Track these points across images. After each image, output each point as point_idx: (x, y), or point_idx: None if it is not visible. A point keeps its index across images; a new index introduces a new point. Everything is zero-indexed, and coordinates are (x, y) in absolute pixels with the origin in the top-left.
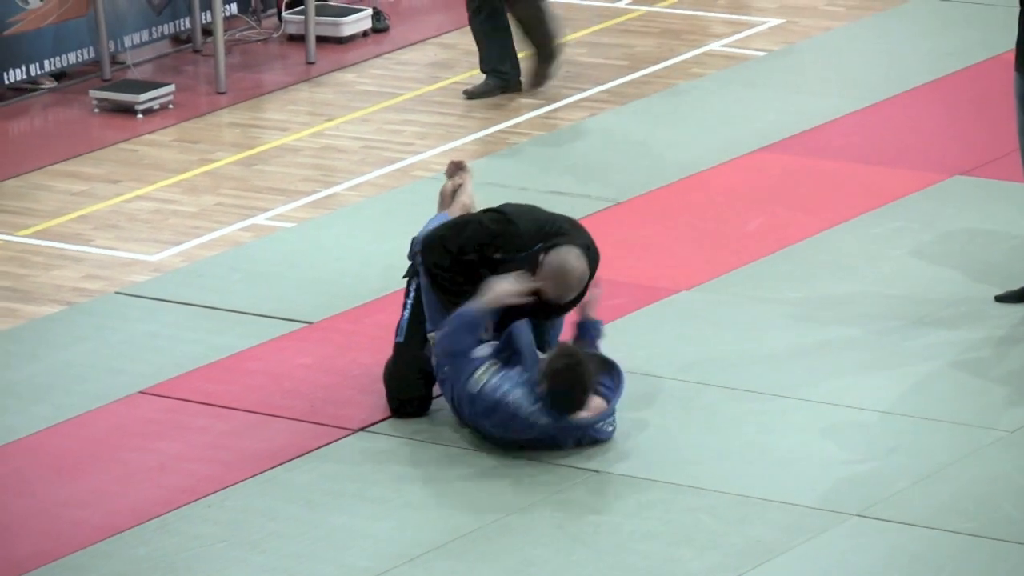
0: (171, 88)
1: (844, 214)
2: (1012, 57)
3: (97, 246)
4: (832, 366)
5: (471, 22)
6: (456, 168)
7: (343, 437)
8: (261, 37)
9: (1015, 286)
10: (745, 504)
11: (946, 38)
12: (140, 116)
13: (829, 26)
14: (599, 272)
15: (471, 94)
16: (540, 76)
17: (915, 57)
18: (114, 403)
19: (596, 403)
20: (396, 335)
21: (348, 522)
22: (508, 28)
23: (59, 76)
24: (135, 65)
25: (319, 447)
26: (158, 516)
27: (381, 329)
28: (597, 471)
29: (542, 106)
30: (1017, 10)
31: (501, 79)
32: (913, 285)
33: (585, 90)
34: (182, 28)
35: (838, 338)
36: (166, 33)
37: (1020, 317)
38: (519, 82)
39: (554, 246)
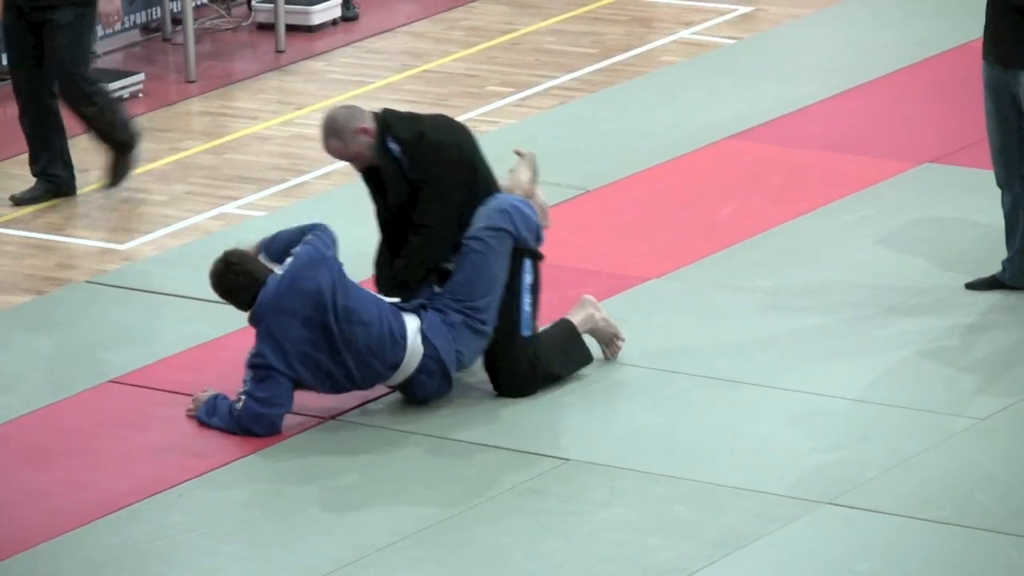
0: (141, 77)
1: (814, 202)
2: (981, 45)
3: (68, 235)
4: (803, 354)
5: (21, 120)
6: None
7: (315, 426)
8: (231, 26)
9: (985, 274)
10: (716, 492)
11: (916, 25)
12: None
13: (798, 14)
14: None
15: (18, 200)
16: (120, 170)
17: (884, 45)
18: (85, 392)
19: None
20: (523, 328)
21: (319, 511)
22: (61, 128)
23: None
24: (104, 54)
25: (291, 436)
26: (129, 505)
27: None
28: (568, 459)
29: (512, 94)
30: None
31: (51, 182)
32: (883, 273)
33: (555, 78)
34: (152, 17)
35: (808, 326)
36: (136, 22)
37: (990, 305)
38: (73, 186)
39: None
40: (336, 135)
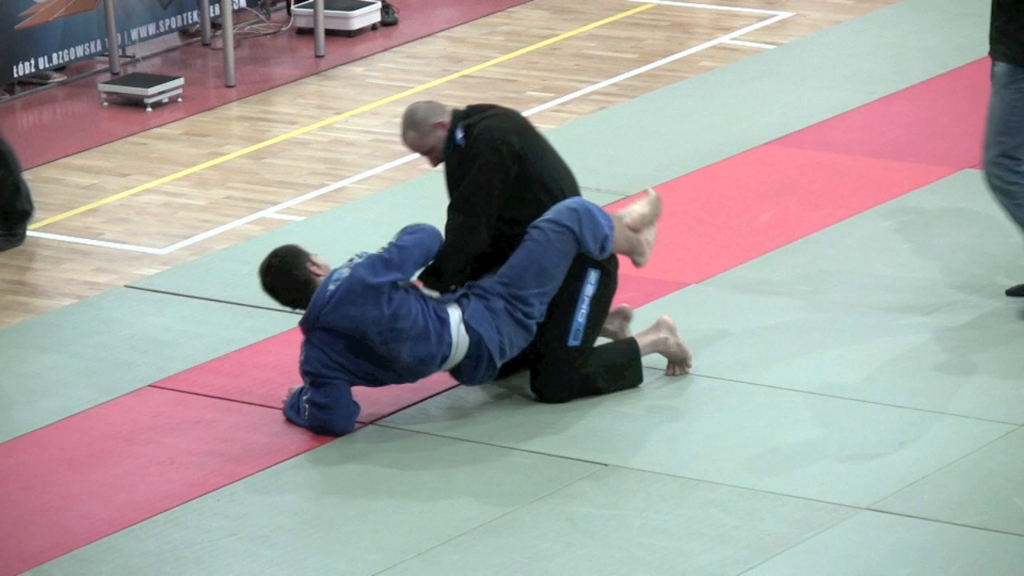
0: (180, 82)
1: (853, 208)
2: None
3: (106, 240)
4: (842, 360)
5: None
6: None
7: (353, 431)
8: (270, 30)
9: None
10: (755, 498)
11: (954, 31)
12: (149, 109)
13: (838, 19)
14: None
15: None
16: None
17: (923, 50)
18: (124, 396)
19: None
20: (570, 337)
21: (357, 515)
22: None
23: (60, 69)
24: (144, 58)
25: (328, 440)
26: (167, 510)
27: None
28: (606, 464)
29: (551, 99)
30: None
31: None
32: (921, 279)
33: (595, 83)
34: (191, 21)
35: (848, 332)
36: (174, 26)
37: None
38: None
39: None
40: (414, 127)
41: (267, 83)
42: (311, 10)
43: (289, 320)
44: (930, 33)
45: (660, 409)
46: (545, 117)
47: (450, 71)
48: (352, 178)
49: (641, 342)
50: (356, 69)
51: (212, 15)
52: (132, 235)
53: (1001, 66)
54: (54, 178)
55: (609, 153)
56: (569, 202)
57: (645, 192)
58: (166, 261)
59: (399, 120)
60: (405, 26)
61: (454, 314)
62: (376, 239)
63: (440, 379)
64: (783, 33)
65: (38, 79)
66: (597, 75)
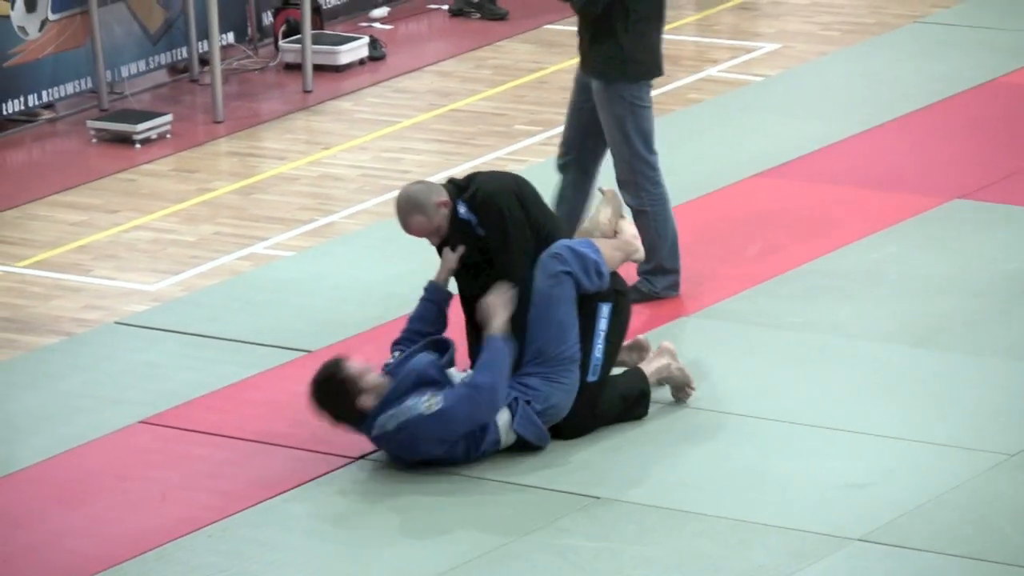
0: (169, 118)
1: (843, 239)
2: (1008, 80)
3: (96, 276)
4: (831, 390)
5: None
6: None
7: (343, 465)
8: (258, 66)
9: (1014, 310)
10: (745, 529)
11: (941, 62)
12: (138, 146)
13: (825, 51)
14: None
15: None
16: None
17: (911, 81)
18: (114, 433)
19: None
20: (589, 374)
21: (348, 551)
22: None
23: (49, 106)
24: (132, 95)
25: (319, 476)
26: (158, 546)
27: (381, 356)
28: (597, 497)
29: (539, 132)
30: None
31: None
32: (910, 309)
33: None
34: (179, 57)
35: (837, 362)
36: (163, 63)
37: (1019, 339)
38: None
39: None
40: (420, 210)
41: (255, 119)
42: (299, 45)
43: (278, 356)
44: (916, 64)
45: (650, 441)
46: (533, 151)
47: (438, 105)
48: (341, 213)
49: (646, 371)
50: (344, 104)
51: (200, 51)
52: (121, 271)
53: (596, 83)
54: (43, 215)
55: (597, 185)
56: (550, 250)
57: (602, 192)
58: (156, 297)
59: (388, 156)
60: (393, 60)
61: (503, 416)
62: (365, 274)
63: None
64: (770, 65)
65: (27, 116)
66: None
